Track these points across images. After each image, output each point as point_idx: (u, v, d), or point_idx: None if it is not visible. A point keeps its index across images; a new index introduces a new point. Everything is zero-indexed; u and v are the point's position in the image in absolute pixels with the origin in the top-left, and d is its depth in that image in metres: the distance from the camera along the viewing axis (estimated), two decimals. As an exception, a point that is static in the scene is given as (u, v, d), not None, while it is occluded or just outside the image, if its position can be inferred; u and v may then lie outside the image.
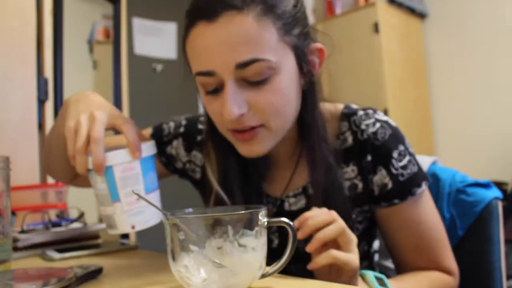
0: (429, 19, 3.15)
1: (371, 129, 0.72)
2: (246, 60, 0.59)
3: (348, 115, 0.75)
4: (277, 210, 0.77)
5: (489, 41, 2.87)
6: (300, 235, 0.57)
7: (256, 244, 0.51)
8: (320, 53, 0.71)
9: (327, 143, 0.72)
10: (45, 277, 0.56)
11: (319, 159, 0.71)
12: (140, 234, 1.81)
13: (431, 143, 3.08)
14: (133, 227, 0.56)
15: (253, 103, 0.63)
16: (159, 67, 2.94)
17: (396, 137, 0.73)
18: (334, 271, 0.59)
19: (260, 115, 0.64)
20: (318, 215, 0.57)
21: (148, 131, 0.89)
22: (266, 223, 0.52)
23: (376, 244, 0.86)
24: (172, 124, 0.88)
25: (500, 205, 0.86)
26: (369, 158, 0.72)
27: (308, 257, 0.60)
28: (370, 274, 0.64)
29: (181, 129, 0.86)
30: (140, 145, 0.55)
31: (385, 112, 2.40)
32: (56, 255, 0.79)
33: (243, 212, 0.51)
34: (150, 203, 0.52)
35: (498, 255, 0.84)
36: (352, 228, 0.62)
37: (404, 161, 0.72)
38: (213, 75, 0.62)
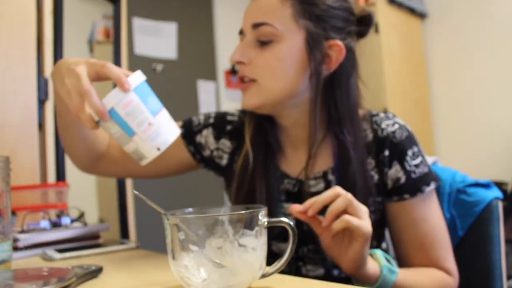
0: (429, 19, 3.15)
1: (391, 129, 0.80)
2: (259, 22, 0.76)
3: (370, 116, 0.83)
4: (298, 190, 0.82)
5: (489, 41, 2.87)
6: (311, 212, 0.63)
7: (256, 244, 0.51)
8: (339, 50, 0.77)
9: (358, 133, 0.79)
10: (45, 277, 0.56)
11: (344, 147, 0.78)
12: (140, 234, 1.82)
13: (431, 143, 3.08)
14: (158, 149, 0.59)
15: (254, 59, 0.77)
16: (159, 67, 2.94)
17: (412, 139, 0.80)
18: (346, 241, 0.64)
19: (256, 70, 0.77)
20: (324, 193, 0.64)
21: (177, 124, 0.92)
22: (266, 223, 0.52)
23: (383, 246, 0.87)
24: (201, 117, 0.95)
25: (500, 205, 0.87)
26: (386, 153, 0.79)
27: (317, 238, 0.68)
28: (379, 252, 0.69)
29: (211, 120, 0.93)
30: (126, 78, 0.57)
31: (385, 111, 2.39)
32: (56, 255, 0.79)
33: (243, 212, 0.51)
34: (148, 202, 0.52)
35: (498, 255, 0.84)
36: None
37: (417, 161, 0.79)
38: (242, 33, 0.81)
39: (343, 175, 0.77)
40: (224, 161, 0.91)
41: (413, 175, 0.77)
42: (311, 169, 0.81)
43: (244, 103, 0.80)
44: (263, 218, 0.52)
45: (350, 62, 0.79)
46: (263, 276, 0.54)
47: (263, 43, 0.76)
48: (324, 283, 0.56)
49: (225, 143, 0.91)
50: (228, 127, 0.91)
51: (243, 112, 0.91)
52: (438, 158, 0.98)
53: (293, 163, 0.84)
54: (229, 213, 0.57)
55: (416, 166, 0.78)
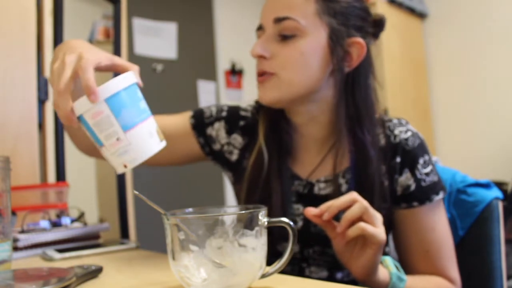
0: (429, 19, 3.15)
1: (404, 136, 0.79)
2: (282, 16, 0.75)
3: (383, 121, 0.82)
4: (308, 192, 0.81)
5: (489, 41, 2.87)
6: (327, 216, 0.63)
7: (256, 244, 0.51)
8: (360, 47, 0.77)
9: (376, 133, 0.78)
10: (45, 277, 0.56)
11: (364, 147, 0.77)
12: (140, 234, 1.82)
13: (431, 143, 3.08)
14: (125, 166, 0.55)
15: (276, 54, 0.76)
16: (159, 67, 2.94)
17: (424, 148, 0.80)
18: (358, 248, 0.64)
19: (277, 64, 0.76)
20: (340, 198, 0.63)
21: (187, 114, 0.93)
22: (266, 223, 0.52)
23: (386, 249, 0.87)
24: (213, 108, 0.93)
25: (500, 205, 0.86)
26: (398, 159, 0.78)
27: (324, 241, 0.70)
28: (388, 259, 0.69)
29: (224, 113, 0.92)
30: (94, 88, 0.52)
31: (385, 112, 2.40)
32: (56, 255, 0.79)
33: (243, 212, 0.51)
34: (148, 202, 0.52)
35: (498, 255, 0.84)
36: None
37: (428, 169, 0.78)
38: (261, 28, 0.79)
39: (362, 175, 0.77)
40: (234, 157, 0.90)
41: (423, 184, 0.77)
42: (322, 171, 0.80)
43: (262, 97, 0.79)
44: (263, 218, 0.52)
45: (368, 62, 0.80)
46: (263, 276, 0.54)
47: (285, 38, 0.75)
48: (325, 283, 0.56)
49: (237, 139, 0.90)
50: (241, 123, 0.90)
51: (256, 109, 0.90)
52: (438, 158, 0.98)
53: (303, 164, 0.84)
54: (229, 213, 0.57)
55: (427, 174, 0.77)
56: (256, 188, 0.81)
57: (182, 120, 0.92)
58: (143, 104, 0.57)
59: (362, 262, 0.63)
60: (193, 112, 0.93)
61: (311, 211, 0.64)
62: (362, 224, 0.61)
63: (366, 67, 0.79)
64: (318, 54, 0.75)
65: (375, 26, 0.81)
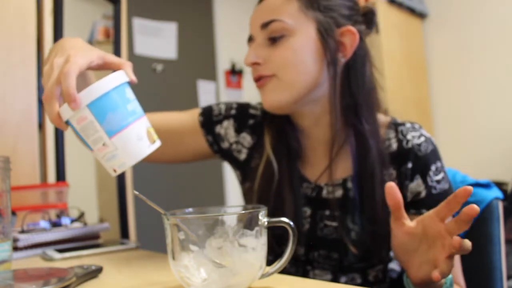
0: (429, 19, 3.15)
1: (416, 141, 0.78)
2: (267, 20, 0.76)
3: (395, 125, 0.82)
4: (316, 195, 0.81)
5: (489, 41, 2.87)
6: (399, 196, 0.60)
7: (256, 244, 0.51)
8: (351, 35, 0.77)
9: (375, 121, 0.78)
10: (45, 277, 0.56)
11: (363, 136, 0.76)
12: (140, 234, 1.82)
13: (431, 143, 3.07)
14: (114, 171, 0.54)
15: (269, 57, 0.77)
16: (159, 67, 2.94)
17: (436, 154, 0.78)
18: (424, 248, 0.59)
19: (272, 66, 0.76)
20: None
21: (196, 111, 0.93)
22: (266, 223, 0.52)
23: (392, 255, 0.86)
24: (223, 106, 0.93)
25: (500, 205, 0.87)
26: (409, 165, 0.77)
27: (330, 244, 0.72)
28: None
29: (233, 111, 0.91)
30: (74, 96, 0.51)
31: (385, 112, 2.39)
32: (56, 255, 0.79)
33: (243, 212, 0.51)
34: (148, 202, 0.52)
35: (498, 255, 0.84)
36: (387, 225, 0.65)
37: (439, 177, 0.77)
38: (251, 39, 0.81)
39: (362, 164, 0.76)
40: (242, 156, 0.89)
41: (434, 191, 0.76)
42: (331, 174, 0.79)
43: (266, 102, 0.78)
44: (263, 218, 0.52)
45: (363, 50, 0.79)
46: (263, 276, 0.54)
47: (275, 40, 0.76)
48: (325, 283, 0.56)
49: (246, 138, 0.89)
50: (250, 121, 0.90)
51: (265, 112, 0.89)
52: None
53: (312, 167, 0.83)
54: (229, 213, 0.57)
55: (438, 182, 0.76)
56: (267, 199, 0.80)
57: (191, 117, 0.92)
58: (132, 106, 0.55)
59: (442, 267, 0.57)
60: (201, 110, 0.92)
61: (393, 188, 0.60)
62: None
63: (361, 55, 0.79)
64: (310, 49, 0.75)
65: (365, 16, 0.81)
